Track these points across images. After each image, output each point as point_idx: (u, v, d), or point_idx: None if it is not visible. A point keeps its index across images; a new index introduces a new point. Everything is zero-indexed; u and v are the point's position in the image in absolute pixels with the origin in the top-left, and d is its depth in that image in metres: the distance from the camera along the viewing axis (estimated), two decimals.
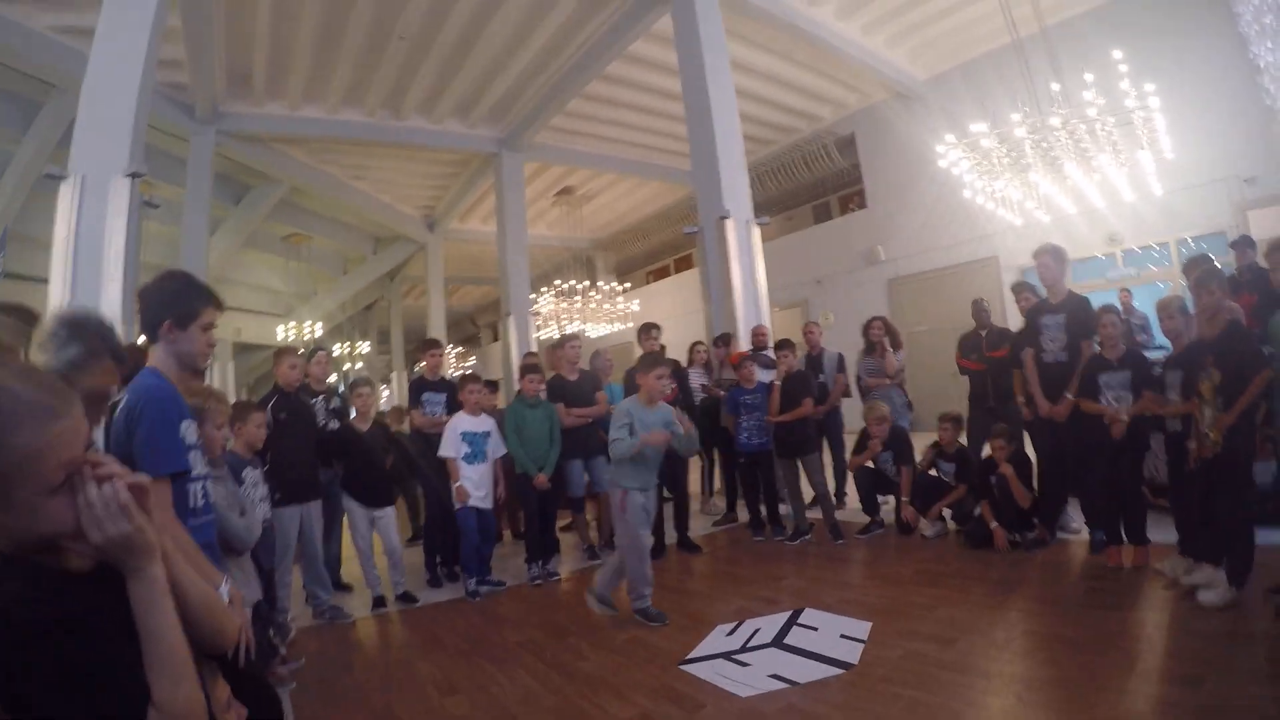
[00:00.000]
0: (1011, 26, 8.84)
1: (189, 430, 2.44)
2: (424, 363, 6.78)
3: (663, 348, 8.16)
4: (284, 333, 19.86)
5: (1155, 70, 8.52)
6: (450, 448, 5.84)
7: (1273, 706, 2.83)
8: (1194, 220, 10.76)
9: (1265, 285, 5.20)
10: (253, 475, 4.19)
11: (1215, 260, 6.01)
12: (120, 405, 2.44)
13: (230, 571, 2.82)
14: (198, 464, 2.52)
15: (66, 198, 6.43)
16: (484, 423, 6.00)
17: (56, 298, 6.21)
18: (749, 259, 9.34)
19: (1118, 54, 7.77)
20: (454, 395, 6.33)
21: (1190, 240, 10.84)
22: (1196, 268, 4.32)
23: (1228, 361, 3.89)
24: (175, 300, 2.50)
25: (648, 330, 7.40)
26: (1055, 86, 8.00)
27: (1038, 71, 8.62)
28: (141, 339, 2.73)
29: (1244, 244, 7.03)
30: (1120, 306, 9.31)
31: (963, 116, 9.42)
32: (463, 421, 5.92)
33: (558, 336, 7.24)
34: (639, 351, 7.29)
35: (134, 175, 6.68)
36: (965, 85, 12.72)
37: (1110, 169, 8.86)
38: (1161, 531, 4.82)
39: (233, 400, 4.68)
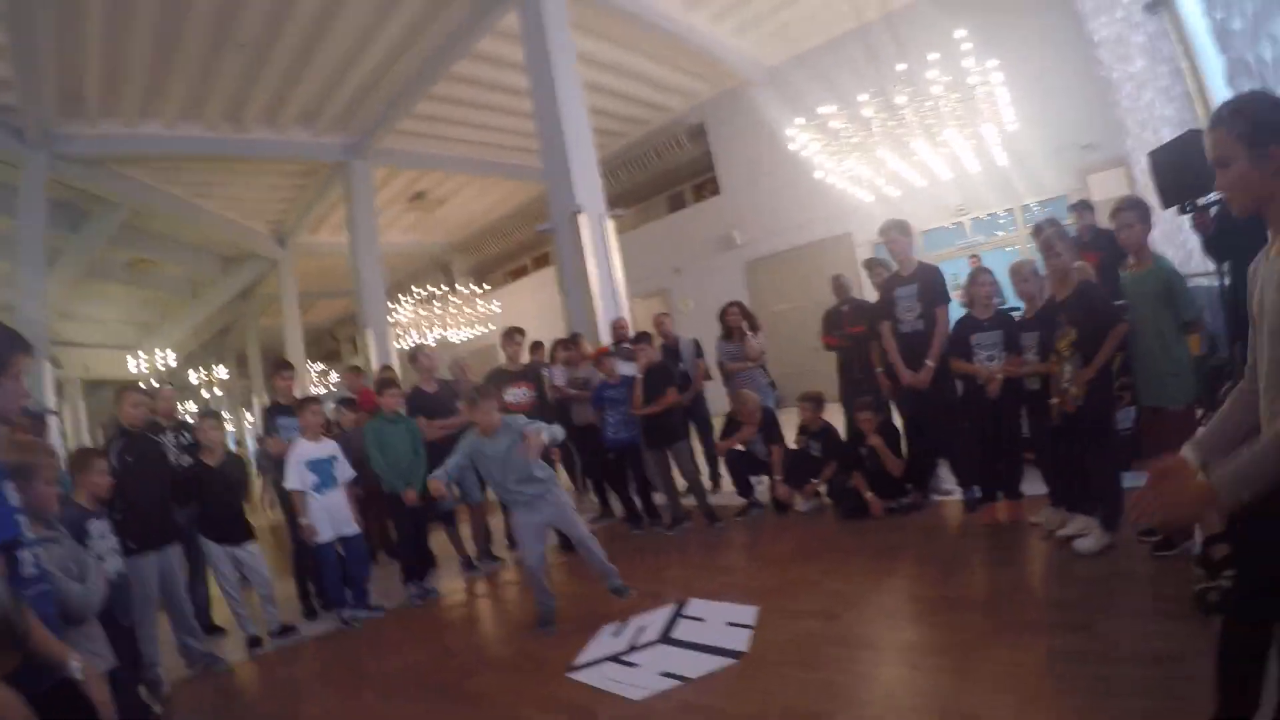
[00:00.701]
0: (855, 12, 9.07)
1: (10, 492, 2.17)
2: (275, 386, 6.40)
3: (538, 345, 8.00)
4: (135, 365, 18.61)
5: (998, 47, 8.85)
6: (295, 479, 5.52)
7: (1160, 641, 2.92)
8: (1038, 186, 11.25)
9: (1108, 244, 5.48)
10: (99, 527, 3.83)
11: (1060, 222, 6.33)
12: None
13: (76, 643, 2.55)
14: (24, 528, 2.25)
15: None
16: (326, 447, 5.72)
17: None
18: (604, 252, 9.28)
19: (960, 32, 8.03)
20: None
21: (1035, 205, 11.40)
22: (1042, 231, 4.49)
23: (1082, 319, 4.04)
24: None
25: (510, 336, 7.12)
26: (901, 67, 8.25)
27: (882, 54, 8.88)
28: None
29: (1082, 207, 7.39)
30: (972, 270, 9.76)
31: (811, 101, 9.59)
32: (304, 450, 5.61)
33: (411, 348, 6.94)
34: (503, 356, 7.08)
35: None
36: (812, 70, 12.87)
37: (956, 142, 9.23)
38: (1031, 485, 4.98)
39: (85, 442, 4.27)
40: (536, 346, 8.27)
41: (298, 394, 6.48)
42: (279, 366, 6.51)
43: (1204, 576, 3.05)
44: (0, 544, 2.07)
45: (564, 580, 5.86)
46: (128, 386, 5.23)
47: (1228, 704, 1.98)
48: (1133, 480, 4.23)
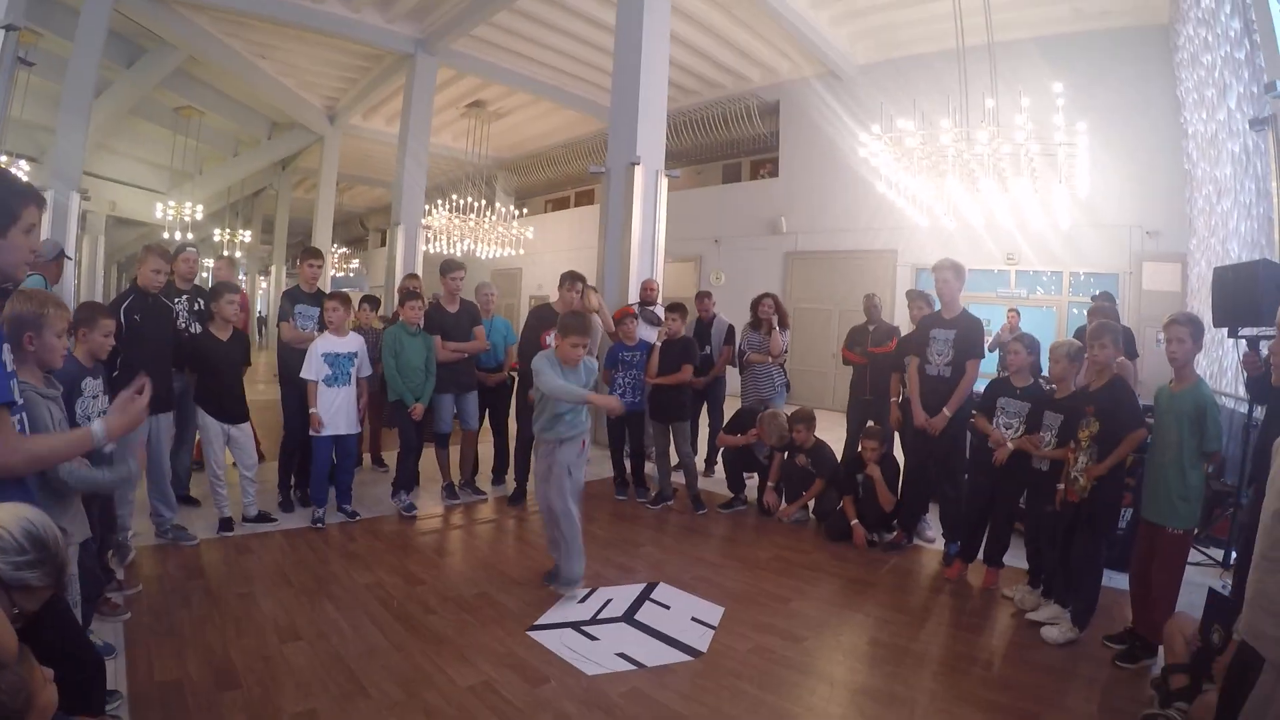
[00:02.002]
0: (960, 33, 8.86)
1: (6, 354, 2.15)
2: (301, 272, 6.35)
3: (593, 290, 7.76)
4: (162, 211, 18.59)
5: (1089, 110, 8.74)
6: (310, 370, 5.54)
7: None
8: (1092, 257, 11.17)
9: (1125, 343, 5.43)
10: (93, 385, 3.80)
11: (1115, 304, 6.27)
12: None
13: (54, 515, 2.57)
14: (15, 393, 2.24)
15: None
16: (349, 343, 5.72)
17: None
18: (652, 210, 9.22)
19: (1058, 86, 7.87)
20: None
21: (1083, 275, 11.29)
22: (1096, 315, 4.45)
23: (1108, 414, 4.01)
24: None
25: (572, 280, 6.60)
26: (990, 103, 8.09)
27: (975, 83, 8.68)
28: None
29: (1104, 299, 7.31)
30: (1008, 324, 9.70)
31: (891, 110, 9.43)
32: (325, 342, 5.62)
33: (445, 258, 6.77)
34: (529, 281, 6.94)
35: (8, 27, 5.96)
36: (900, 80, 12.73)
37: (1024, 193, 9.09)
38: (1012, 557, 4.99)
39: (98, 279, 4.21)
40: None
41: (320, 286, 6.40)
42: (309, 254, 6.40)
43: (1156, 700, 3.08)
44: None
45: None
46: (153, 247, 5.08)
47: None
48: (1112, 579, 4.26)
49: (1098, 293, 7.75)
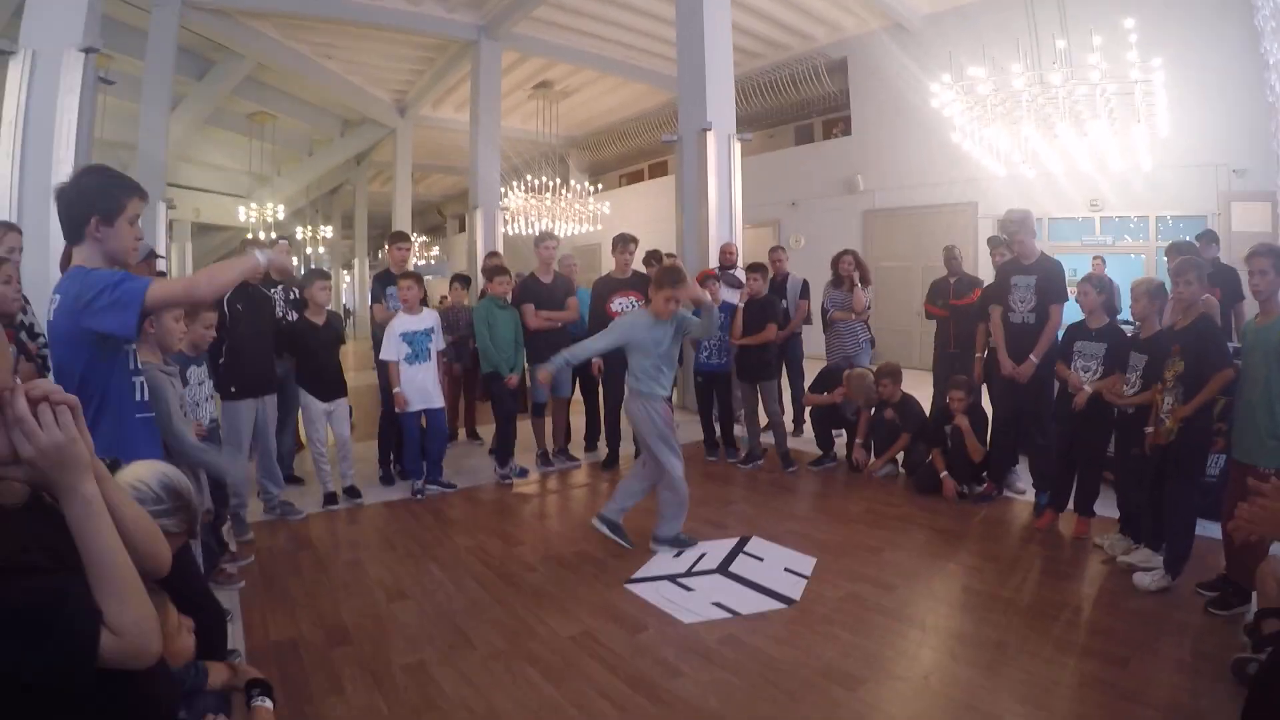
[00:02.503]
0: None
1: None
2: (390, 255, 6.57)
3: (655, 254, 7.91)
4: (245, 214, 19.27)
5: (1163, 46, 8.36)
6: (390, 350, 5.77)
7: (1188, 696, 2.93)
8: (1177, 200, 10.72)
9: (1227, 282, 5.20)
10: (197, 373, 4.06)
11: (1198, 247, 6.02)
12: (55, 308, 2.38)
13: None
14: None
15: (15, 74, 6.01)
16: (424, 320, 5.89)
17: (3, 179, 5.87)
18: (727, 174, 9.21)
19: (1129, 22, 7.59)
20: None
21: (1170, 219, 10.87)
22: (1178, 254, 4.31)
23: (1194, 354, 3.90)
24: (99, 196, 2.40)
25: (624, 243, 6.85)
26: (1061, 44, 7.85)
27: (1045, 27, 8.41)
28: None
29: (1208, 238, 7.05)
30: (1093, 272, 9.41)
31: (962, 59, 9.20)
32: (401, 322, 5.82)
33: (537, 232, 6.88)
34: (611, 261, 7.02)
35: (89, 50, 6.26)
36: (969, 27, 12.33)
37: (1103, 135, 8.80)
38: (1103, 506, 4.91)
39: None
40: (654, 256, 8.01)
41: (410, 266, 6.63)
42: (396, 237, 6.62)
43: (1249, 646, 3.03)
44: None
45: None
46: (251, 241, 5.37)
47: None
48: (1205, 528, 4.15)
49: (1190, 237, 7.49)
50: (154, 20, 11.97)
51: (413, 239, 8.49)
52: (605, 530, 4.69)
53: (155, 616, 1.31)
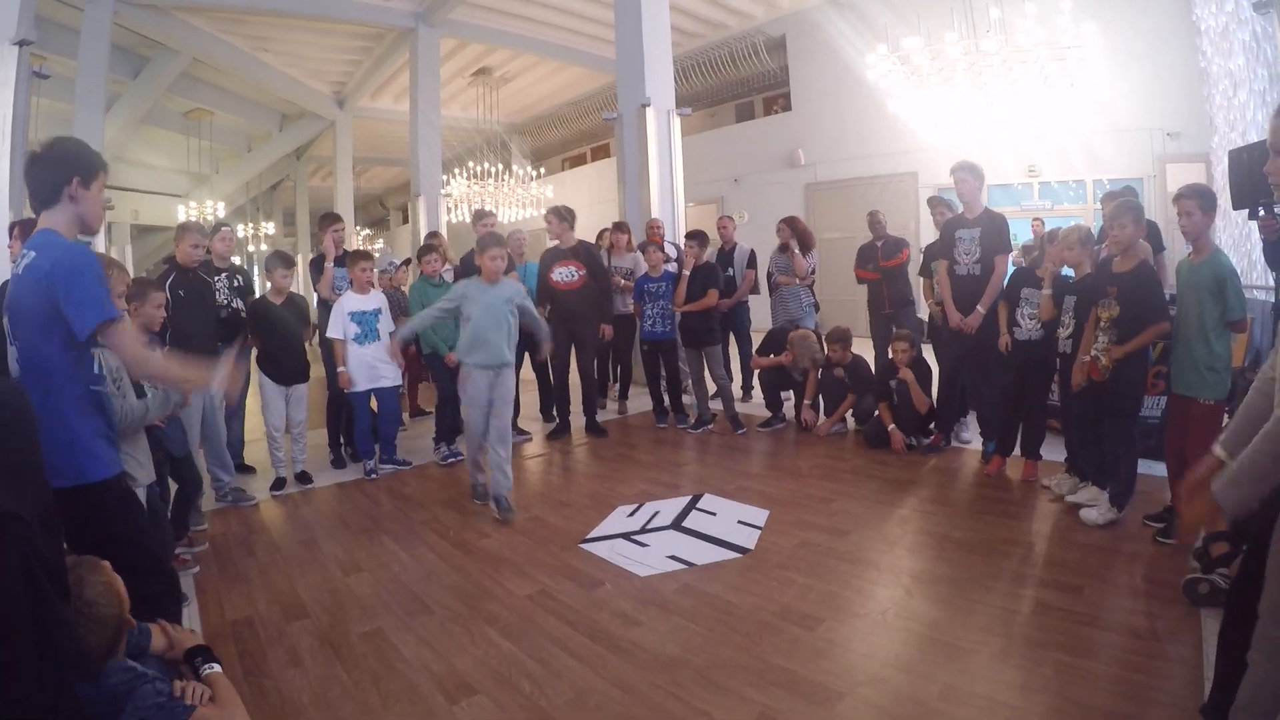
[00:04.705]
0: None
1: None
2: (325, 239, 6.38)
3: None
4: (184, 214, 18.78)
5: (1097, 13, 8.54)
6: (337, 329, 5.65)
7: (1143, 619, 3.01)
8: (1113, 164, 10.93)
9: (1153, 238, 5.34)
10: None
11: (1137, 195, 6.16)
12: (27, 265, 2.34)
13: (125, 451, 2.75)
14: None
15: None
16: (372, 300, 5.80)
17: None
18: (667, 149, 9.19)
19: None
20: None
21: (1107, 182, 11.07)
22: (1115, 198, 4.41)
23: (1130, 300, 3.98)
24: (78, 158, 2.44)
25: (557, 214, 6.77)
26: (995, 12, 7.97)
27: None
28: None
29: (1125, 193, 7.16)
30: (1034, 235, 9.62)
31: (898, 29, 9.29)
32: (350, 301, 5.71)
33: (475, 210, 6.82)
34: (547, 238, 7.00)
35: (22, 43, 6.05)
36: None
37: (1039, 102, 8.97)
38: (1050, 450, 5.02)
39: None
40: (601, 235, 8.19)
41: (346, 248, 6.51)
42: (328, 219, 6.49)
43: (1198, 569, 3.11)
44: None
45: (585, 460, 6.09)
46: (190, 225, 5.24)
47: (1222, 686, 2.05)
48: (1149, 467, 4.27)
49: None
50: (87, 17, 11.53)
51: (354, 234, 8.34)
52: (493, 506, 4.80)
53: None
